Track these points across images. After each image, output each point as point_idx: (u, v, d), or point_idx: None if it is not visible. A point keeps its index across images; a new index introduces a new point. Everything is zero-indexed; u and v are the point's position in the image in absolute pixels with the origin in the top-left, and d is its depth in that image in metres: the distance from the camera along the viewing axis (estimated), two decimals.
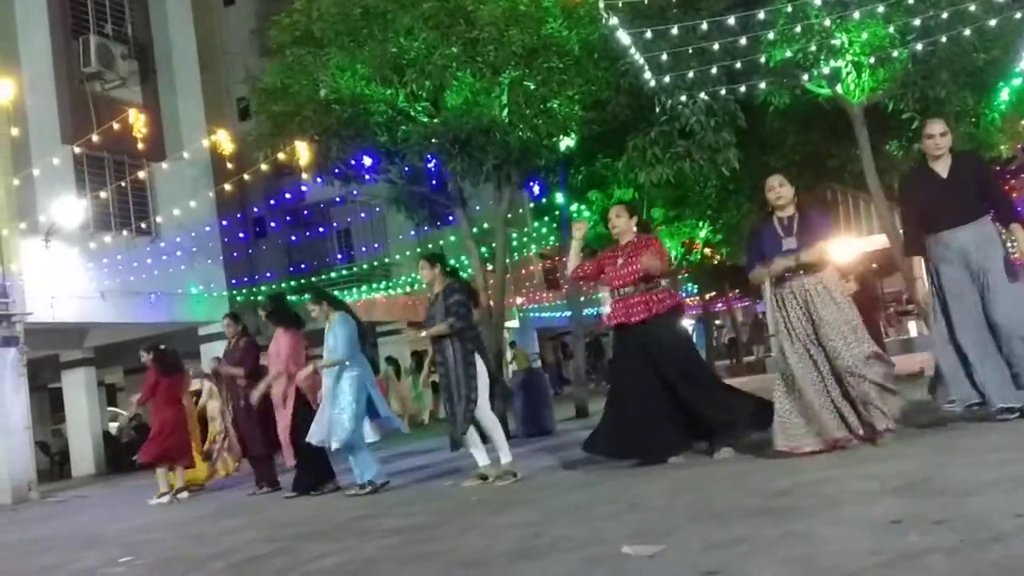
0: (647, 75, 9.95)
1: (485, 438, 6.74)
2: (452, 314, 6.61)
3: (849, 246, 16.81)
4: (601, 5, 9.74)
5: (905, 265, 6.61)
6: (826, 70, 9.74)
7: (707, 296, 26.59)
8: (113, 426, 21.61)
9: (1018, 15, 9.25)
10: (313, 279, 21.32)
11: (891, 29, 9.34)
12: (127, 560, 5.74)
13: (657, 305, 6.15)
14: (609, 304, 6.47)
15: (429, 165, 11.49)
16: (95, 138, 14.77)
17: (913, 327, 21.92)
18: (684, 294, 27.49)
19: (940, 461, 4.60)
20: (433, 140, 10.61)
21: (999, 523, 3.14)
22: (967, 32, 9.13)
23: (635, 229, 6.44)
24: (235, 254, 20.88)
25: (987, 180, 5.83)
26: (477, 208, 14.39)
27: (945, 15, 9.04)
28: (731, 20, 9.34)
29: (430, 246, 22.71)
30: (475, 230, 12.65)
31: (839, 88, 9.91)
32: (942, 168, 5.75)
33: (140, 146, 15.71)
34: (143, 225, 17.39)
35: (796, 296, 5.58)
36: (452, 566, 3.98)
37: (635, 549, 3.61)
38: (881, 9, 9.11)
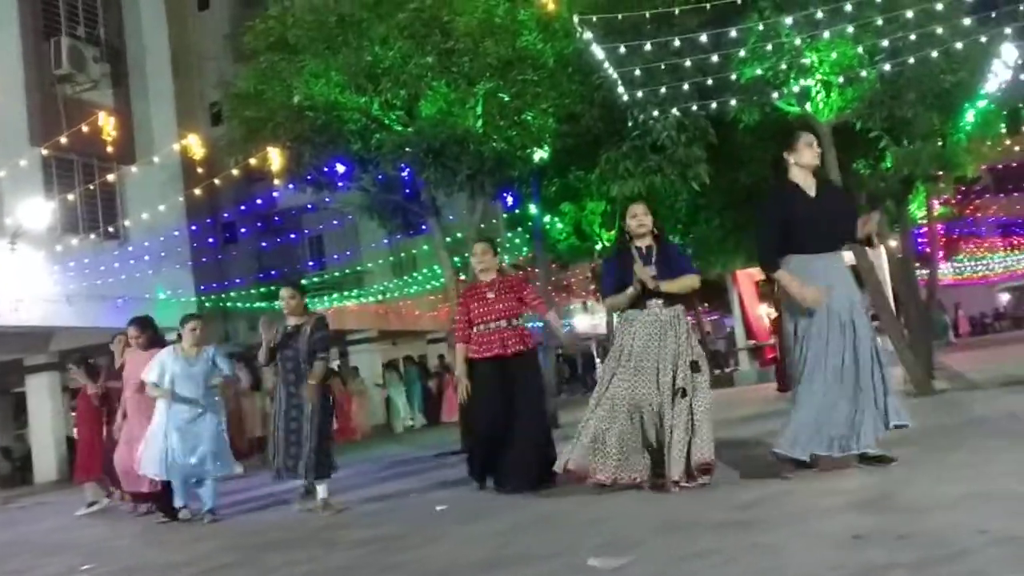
0: (620, 90, 10.03)
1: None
2: (323, 349, 6.77)
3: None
4: (575, 20, 9.81)
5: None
6: (796, 88, 9.85)
7: None
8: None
9: (984, 38, 9.43)
10: None
11: (860, 49, 9.47)
12: (89, 568, 5.67)
13: (528, 339, 6.53)
14: (473, 338, 6.55)
15: (403, 174, 11.46)
16: (64, 140, 14.59)
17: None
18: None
19: (904, 477, 4.66)
20: (407, 149, 10.59)
21: (962, 539, 3.19)
22: (935, 54, 9.27)
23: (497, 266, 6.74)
24: (204, 259, 20.72)
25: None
26: (450, 218, 14.39)
27: (913, 37, 9.19)
28: (703, 37, 9.43)
29: (403, 255, 22.71)
30: (448, 240, 12.65)
31: (808, 106, 10.02)
32: (810, 187, 5.22)
33: (110, 149, 15.50)
34: (111, 229, 17.18)
35: (648, 325, 5.50)
36: None
37: (602, 561, 3.63)
38: (850, 29, 9.24)
